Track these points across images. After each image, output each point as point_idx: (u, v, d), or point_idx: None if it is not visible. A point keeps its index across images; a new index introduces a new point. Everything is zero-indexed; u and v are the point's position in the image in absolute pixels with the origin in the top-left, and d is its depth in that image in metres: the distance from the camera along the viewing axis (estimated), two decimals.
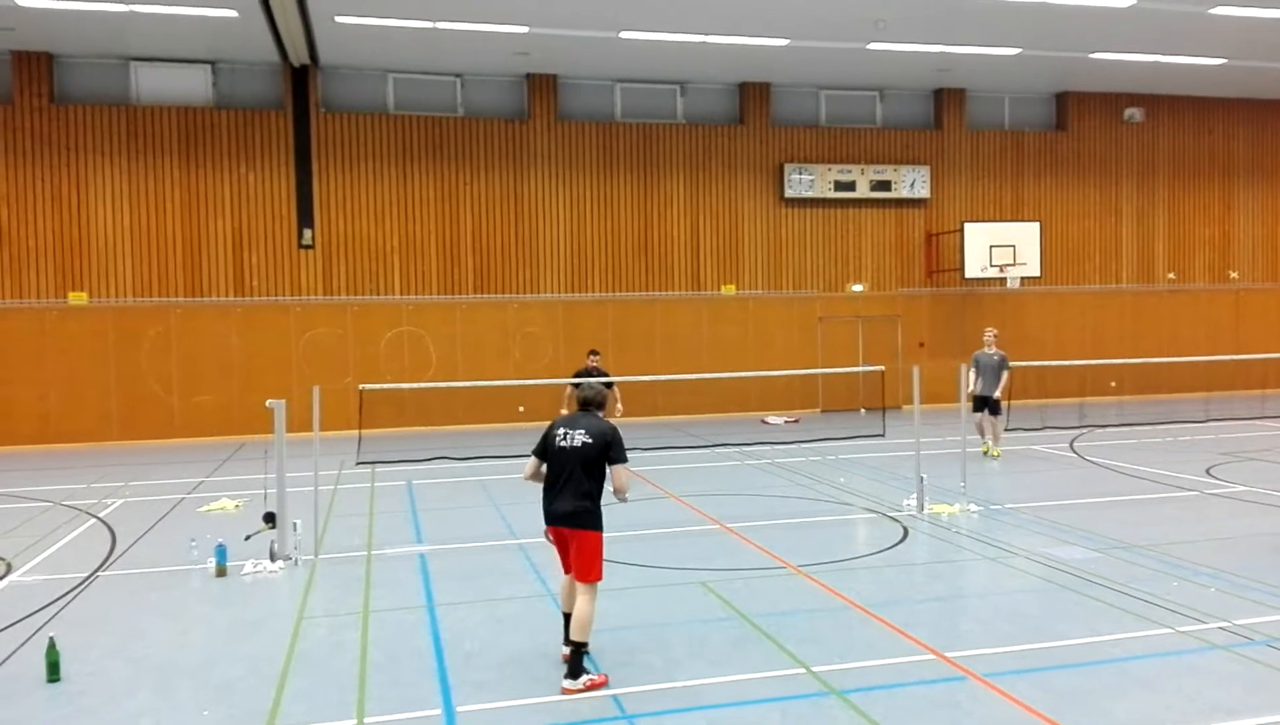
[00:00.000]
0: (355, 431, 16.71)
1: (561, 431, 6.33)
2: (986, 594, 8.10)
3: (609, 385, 14.86)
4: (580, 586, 6.20)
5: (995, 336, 15.53)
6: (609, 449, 6.26)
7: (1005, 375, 15.05)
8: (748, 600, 7.80)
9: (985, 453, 15.13)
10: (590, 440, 6.25)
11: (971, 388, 14.74)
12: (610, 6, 17.52)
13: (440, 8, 17.40)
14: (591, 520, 6.25)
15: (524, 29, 18.51)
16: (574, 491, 6.21)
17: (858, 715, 5.60)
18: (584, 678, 5.97)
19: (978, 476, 12.73)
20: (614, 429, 6.37)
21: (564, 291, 21.86)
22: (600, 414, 6.55)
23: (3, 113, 19.07)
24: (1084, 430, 18.17)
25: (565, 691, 5.92)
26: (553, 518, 6.32)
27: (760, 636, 6.94)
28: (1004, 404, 15.11)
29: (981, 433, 15.28)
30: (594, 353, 16.25)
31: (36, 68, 19.19)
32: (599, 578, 6.28)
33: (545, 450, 6.41)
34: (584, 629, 6.08)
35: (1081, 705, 5.66)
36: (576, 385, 14.40)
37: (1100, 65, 22.12)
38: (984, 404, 15.14)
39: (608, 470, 6.32)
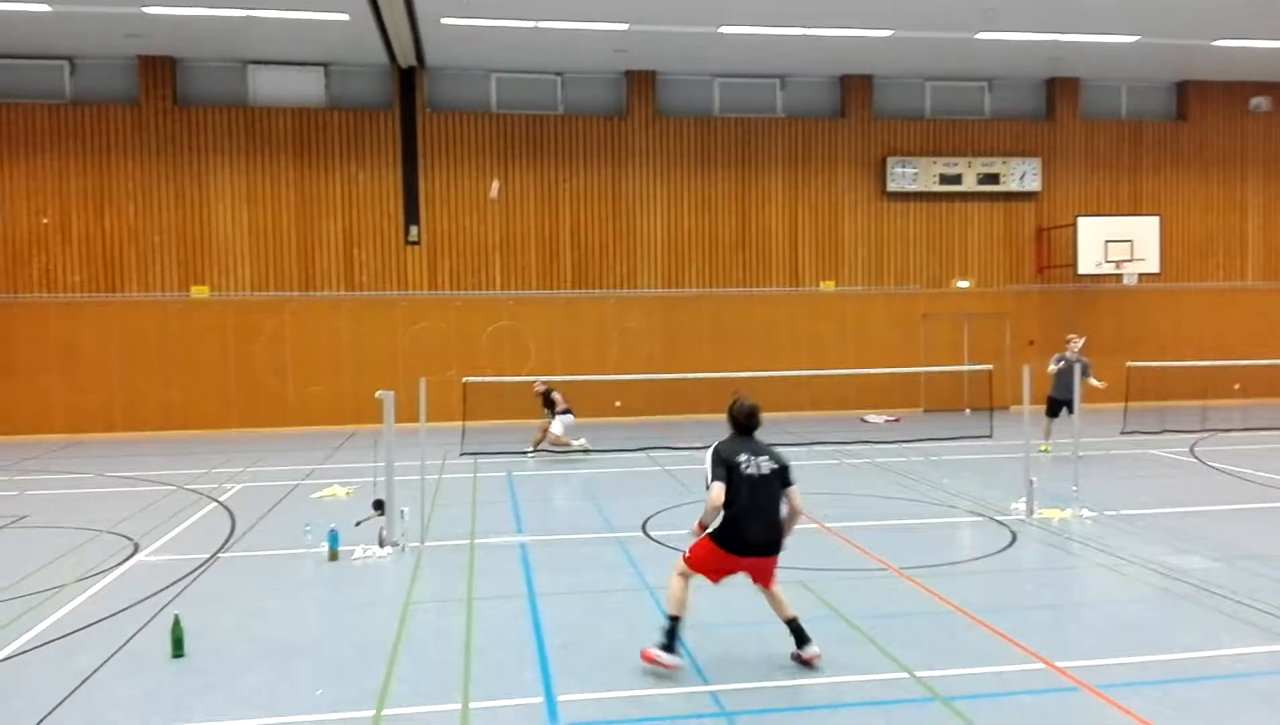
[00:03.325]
0: (458, 423, 17.12)
1: (744, 458, 6.25)
2: (1100, 602, 7.82)
3: (552, 405, 15.61)
4: (777, 586, 6.44)
5: (1079, 341, 15.56)
6: (787, 473, 6.36)
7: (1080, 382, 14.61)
8: (848, 601, 7.70)
9: (1044, 451, 15.18)
10: (776, 466, 6.32)
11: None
12: (710, 1, 17.46)
13: (541, 7, 17.62)
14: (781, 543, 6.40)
15: (624, 26, 18.61)
16: (769, 520, 6.24)
17: (963, 723, 5.48)
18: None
19: (1091, 480, 12.26)
20: (784, 454, 6.48)
21: (662, 286, 21.92)
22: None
23: (131, 115, 20.11)
24: (1205, 434, 17.34)
25: (815, 658, 6.27)
26: (752, 548, 6.21)
27: (861, 638, 6.85)
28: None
29: (1047, 434, 15.41)
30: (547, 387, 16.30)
31: (161, 72, 20.17)
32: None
33: (729, 476, 6.17)
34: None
35: (1199, 720, 5.45)
36: (544, 397, 15.23)
37: (1223, 53, 21.02)
38: (1058, 407, 15.07)
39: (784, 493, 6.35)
